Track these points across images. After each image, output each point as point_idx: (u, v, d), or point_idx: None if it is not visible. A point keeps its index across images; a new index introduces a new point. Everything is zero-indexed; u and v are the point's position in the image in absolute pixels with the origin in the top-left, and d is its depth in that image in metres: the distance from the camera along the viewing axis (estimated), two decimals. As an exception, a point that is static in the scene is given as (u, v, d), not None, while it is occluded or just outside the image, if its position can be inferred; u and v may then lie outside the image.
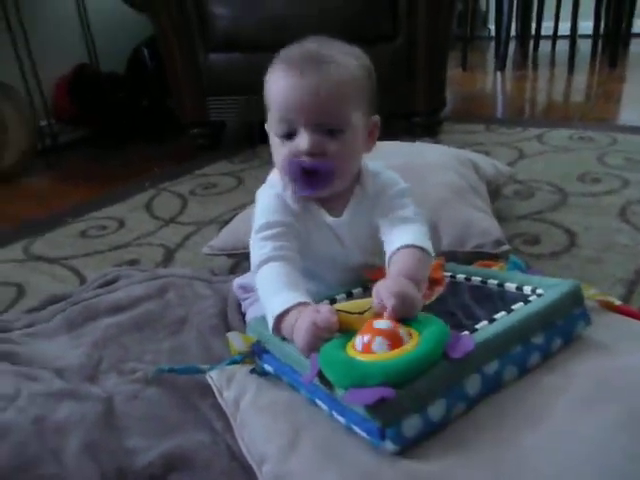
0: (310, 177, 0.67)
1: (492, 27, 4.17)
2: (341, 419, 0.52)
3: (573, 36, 2.89)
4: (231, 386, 0.63)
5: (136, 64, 2.39)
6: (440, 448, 0.47)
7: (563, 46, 3.16)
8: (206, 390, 0.70)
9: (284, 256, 0.66)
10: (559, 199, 1.32)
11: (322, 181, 0.67)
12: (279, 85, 0.67)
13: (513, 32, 3.51)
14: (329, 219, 0.72)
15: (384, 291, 0.56)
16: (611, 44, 3.05)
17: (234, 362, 0.71)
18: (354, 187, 0.73)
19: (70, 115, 2.27)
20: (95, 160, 2.15)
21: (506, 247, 0.93)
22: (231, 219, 1.35)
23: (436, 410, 0.49)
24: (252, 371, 0.65)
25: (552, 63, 3.35)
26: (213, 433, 0.65)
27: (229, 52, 1.90)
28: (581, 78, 2.82)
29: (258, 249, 0.68)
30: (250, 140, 2.05)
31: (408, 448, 0.47)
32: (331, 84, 0.65)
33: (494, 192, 1.20)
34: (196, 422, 0.68)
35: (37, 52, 2.08)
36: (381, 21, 1.80)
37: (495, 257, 0.92)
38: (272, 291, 0.63)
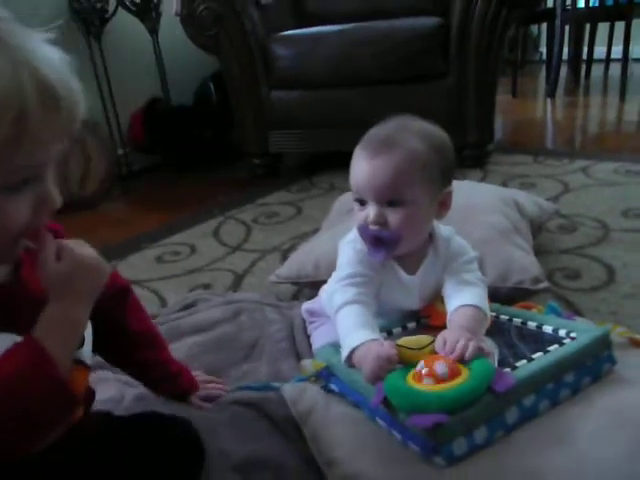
0: (377, 244, 0.80)
1: (543, 50, 4.21)
2: (398, 435, 0.64)
3: (625, 61, 2.90)
4: (303, 400, 0.76)
5: (202, 97, 2.59)
6: (480, 460, 0.58)
7: (616, 70, 3.16)
8: (279, 404, 0.83)
9: (362, 301, 0.79)
10: (601, 234, 1.39)
11: (386, 247, 0.80)
12: (356, 163, 0.81)
13: (565, 56, 3.55)
14: (404, 276, 0.84)
15: (449, 335, 0.69)
16: (664, 70, 3.05)
17: (301, 381, 0.84)
18: (427, 249, 0.85)
19: (143, 145, 2.48)
20: (165, 186, 2.35)
21: (544, 284, 1.02)
22: (292, 247, 1.49)
23: (480, 434, 0.60)
24: (323, 387, 0.77)
25: (604, 88, 3.36)
26: (286, 440, 0.78)
27: (290, 90, 2.06)
28: (633, 106, 2.83)
29: (341, 294, 0.80)
30: (307, 171, 2.20)
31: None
32: (393, 166, 0.77)
33: (537, 228, 1.29)
34: (271, 430, 0.80)
35: (116, 88, 2.31)
36: (433, 61, 1.92)
37: (534, 292, 1.01)
38: (350, 328, 0.75)
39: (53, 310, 0.54)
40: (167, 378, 0.84)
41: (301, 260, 1.22)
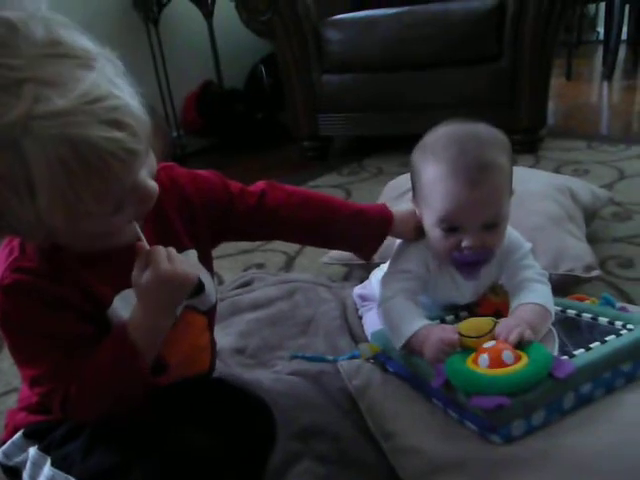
0: (472, 266, 0.78)
1: (601, 30, 4.04)
2: (454, 414, 0.67)
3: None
4: (359, 375, 0.80)
5: (254, 80, 2.64)
6: (534, 438, 0.62)
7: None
8: (334, 378, 0.88)
9: (410, 297, 0.79)
10: (657, 223, 1.37)
11: (482, 267, 0.79)
12: (447, 191, 0.74)
13: (624, 36, 3.40)
14: (461, 280, 0.82)
15: (507, 320, 0.72)
16: None
17: (353, 357, 0.89)
18: None
19: (196, 127, 2.55)
20: (218, 168, 2.35)
21: (597, 272, 1.02)
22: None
23: (538, 417, 0.64)
24: (376, 363, 0.81)
25: (665, 71, 3.23)
26: (341, 411, 0.82)
27: (341, 73, 2.08)
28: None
29: (390, 282, 0.81)
30: (357, 154, 2.22)
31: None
32: (495, 192, 0.74)
33: (591, 216, 1.28)
34: (327, 401, 0.85)
35: (171, 71, 2.38)
36: (487, 42, 1.90)
37: (586, 280, 1.02)
38: (402, 318, 0.77)
39: (136, 313, 0.62)
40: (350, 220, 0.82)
41: (353, 243, 1.26)
